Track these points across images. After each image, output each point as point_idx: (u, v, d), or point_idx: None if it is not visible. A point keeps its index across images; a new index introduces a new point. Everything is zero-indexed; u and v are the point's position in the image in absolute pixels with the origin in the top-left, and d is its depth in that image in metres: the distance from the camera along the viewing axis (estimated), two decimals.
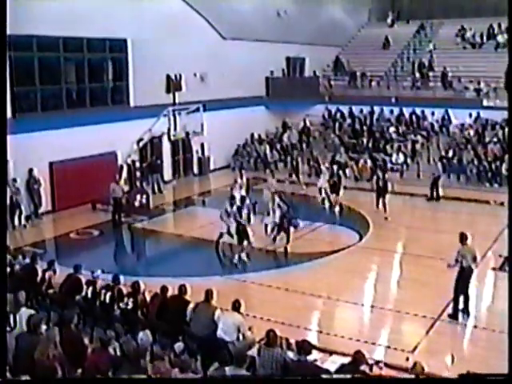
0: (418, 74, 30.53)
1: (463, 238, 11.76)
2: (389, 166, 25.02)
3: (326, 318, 12.28)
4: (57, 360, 7.67)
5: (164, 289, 10.24)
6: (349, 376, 7.48)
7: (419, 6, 37.18)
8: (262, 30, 27.99)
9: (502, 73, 27.36)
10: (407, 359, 9.55)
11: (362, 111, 30.14)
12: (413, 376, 7.48)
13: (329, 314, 12.54)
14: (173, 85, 23.92)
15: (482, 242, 15.05)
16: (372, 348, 10.46)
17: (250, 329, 9.48)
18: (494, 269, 14.34)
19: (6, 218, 9.18)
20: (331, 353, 9.91)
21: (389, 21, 37.27)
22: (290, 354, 8.24)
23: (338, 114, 30.79)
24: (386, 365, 9.25)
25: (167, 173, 24.89)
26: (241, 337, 9.24)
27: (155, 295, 10.33)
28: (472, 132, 26.83)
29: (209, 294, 9.79)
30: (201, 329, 9.42)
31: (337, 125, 29.95)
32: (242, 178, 19.95)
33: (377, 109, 29.85)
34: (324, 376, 7.75)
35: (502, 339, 10.05)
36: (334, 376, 7.76)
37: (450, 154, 25.23)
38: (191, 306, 9.81)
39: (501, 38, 31.10)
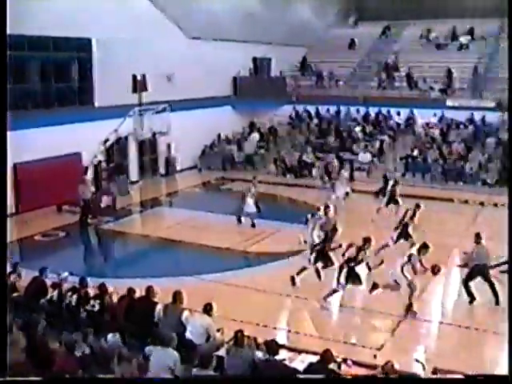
0: (383, 75, 30.81)
1: (478, 237, 12.28)
2: (355, 165, 25.30)
3: (295, 318, 12.28)
4: (22, 365, 7.54)
5: (131, 290, 10.16)
6: (349, 376, 7.54)
7: (385, 7, 37.45)
8: (229, 29, 27.88)
9: (466, 73, 27.95)
10: (375, 357, 9.67)
11: (328, 111, 30.33)
12: (393, 375, 7.50)
13: (298, 313, 12.53)
14: (139, 85, 23.65)
15: (450, 240, 15.37)
16: (341, 346, 10.48)
17: (219, 330, 9.44)
18: (459, 266, 14.48)
19: (5, 218, 9.03)
20: (300, 352, 9.93)
21: (350, 21, 37.60)
22: (259, 354, 8.23)
23: (305, 114, 30.94)
24: (355, 362, 9.28)
25: (134, 173, 24.67)
26: (210, 338, 9.20)
27: (122, 297, 10.24)
28: (437, 131, 27.22)
29: (176, 295, 9.73)
30: (169, 330, 9.33)
31: (304, 125, 30.10)
32: (255, 187, 18.62)
33: (343, 108, 30.05)
34: (307, 376, 7.73)
35: (502, 339, 10.19)
36: (316, 376, 7.75)
37: (416, 152, 25.58)
38: (159, 307, 9.74)
39: (464, 40, 31.66)
